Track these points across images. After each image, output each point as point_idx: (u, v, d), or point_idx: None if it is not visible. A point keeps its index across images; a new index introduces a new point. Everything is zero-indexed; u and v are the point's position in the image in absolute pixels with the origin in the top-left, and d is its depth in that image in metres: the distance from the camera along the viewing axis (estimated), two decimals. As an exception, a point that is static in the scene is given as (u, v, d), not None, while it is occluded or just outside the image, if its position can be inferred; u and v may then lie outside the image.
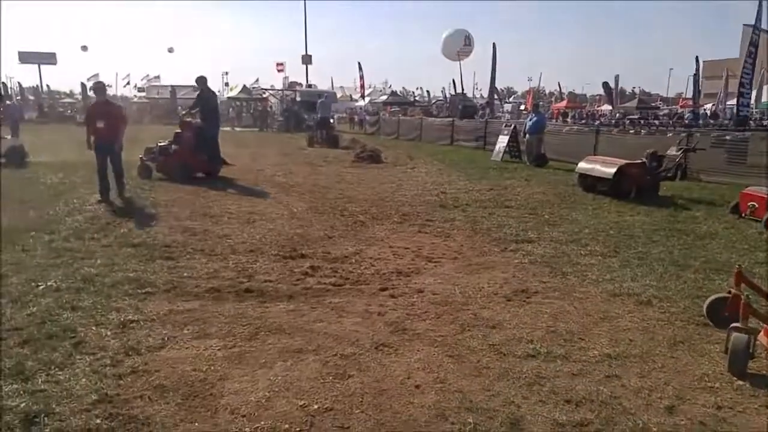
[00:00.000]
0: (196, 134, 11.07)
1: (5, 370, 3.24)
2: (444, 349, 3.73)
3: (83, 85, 44.00)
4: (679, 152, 10.31)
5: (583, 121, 32.77)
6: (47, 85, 53.86)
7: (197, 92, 11.71)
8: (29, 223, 6.75)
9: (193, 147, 10.99)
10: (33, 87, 53.35)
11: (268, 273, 5.22)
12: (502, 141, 16.05)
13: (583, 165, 10.17)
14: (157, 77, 57.30)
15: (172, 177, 10.70)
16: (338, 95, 48.70)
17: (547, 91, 70.49)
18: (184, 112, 13.10)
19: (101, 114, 8.58)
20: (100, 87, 9.22)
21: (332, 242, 6.41)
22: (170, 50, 69.15)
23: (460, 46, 32.83)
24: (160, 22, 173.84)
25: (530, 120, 15.10)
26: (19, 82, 54.09)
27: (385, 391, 3.19)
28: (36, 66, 48.81)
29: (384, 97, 44.81)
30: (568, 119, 35.57)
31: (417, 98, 52.00)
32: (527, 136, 14.85)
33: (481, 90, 57.62)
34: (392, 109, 38.06)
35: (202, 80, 11.66)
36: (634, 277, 5.25)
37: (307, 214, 7.90)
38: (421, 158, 16.22)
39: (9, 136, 13.67)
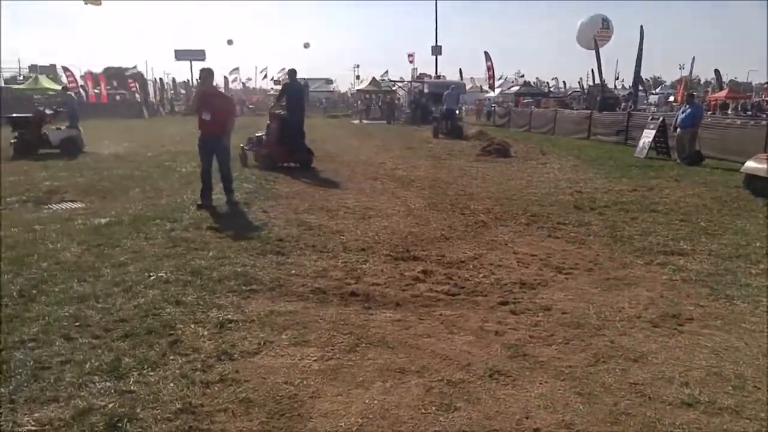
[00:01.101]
0: (280, 125, 11.18)
1: (103, 366, 3.16)
2: (572, 383, 3.09)
3: (225, 79, 47.29)
4: None
5: (749, 113, 28.97)
6: (196, 80, 58.55)
7: (284, 83, 12.16)
8: (156, 211, 7.00)
9: (276, 138, 11.13)
10: (184, 82, 58.40)
11: (376, 275, 4.85)
12: (648, 135, 14.47)
13: (751, 164, 8.77)
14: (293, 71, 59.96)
15: (260, 166, 11.08)
16: (468, 86, 47.70)
17: (701, 80, 63.75)
18: (272, 104, 13.38)
19: (207, 104, 7.52)
20: (206, 74, 7.82)
21: (449, 244, 5.91)
22: (306, 45, 72.30)
23: (596, 30, 30.44)
24: (298, 18, 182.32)
25: (683, 112, 13.40)
26: (173, 78, 59.51)
27: (496, 433, 2.66)
28: (188, 62, 53.23)
29: (516, 88, 43.16)
30: (729, 111, 31.74)
31: (552, 89, 49.52)
32: (678, 130, 13.18)
33: (623, 80, 53.63)
34: (524, 101, 36.47)
35: (292, 73, 12.04)
36: (825, 307, 4.18)
37: (425, 212, 7.45)
38: (554, 153, 15.11)
39: (64, 127, 14.70)
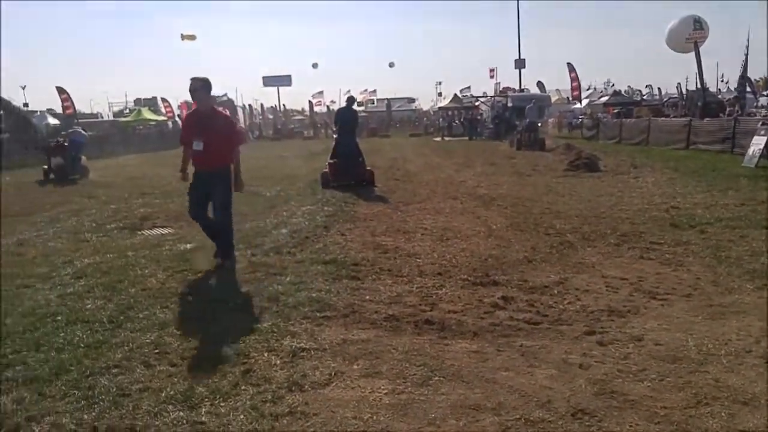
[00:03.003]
0: (334, 147, 12.34)
1: (178, 395, 3.20)
2: (668, 428, 2.76)
3: (310, 103, 48.79)
4: None
5: None
6: (283, 105, 61.12)
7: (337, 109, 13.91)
8: (239, 235, 7.19)
9: (331, 158, 12.16)
10: (272, 107, 60.96)
11: (453, 302, 4.66)
12: (759, 142, 13.23)
13: None
14: (374, 91, 61.08)
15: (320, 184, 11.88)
16: (553, 99, 46.38)
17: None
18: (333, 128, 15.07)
19: (199, 130, 5.69)
20: (198, 85, 5.60)
21: (532, 267, 5.61)
22: (391, 65, 72.85)
23: (689, 32, 28.51)
24: (383, 38, 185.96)
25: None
26: (261, 104, 62.29)
27: (579, 488, 2.41)
28: (276, 88, 55.66)
29: (605, 98, 41.37)
30: None
31: (645, 97, 46.99)
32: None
33: (727, 82, 49.98)
34: (614, 110, 34.82)
35: (351, 99, 13.46)
36: None
37: (507, 232, 7.17)
38: (648, 165, 14.19)
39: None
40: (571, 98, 42.74)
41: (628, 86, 49.81)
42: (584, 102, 41.67)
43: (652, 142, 20.60)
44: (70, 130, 19.30)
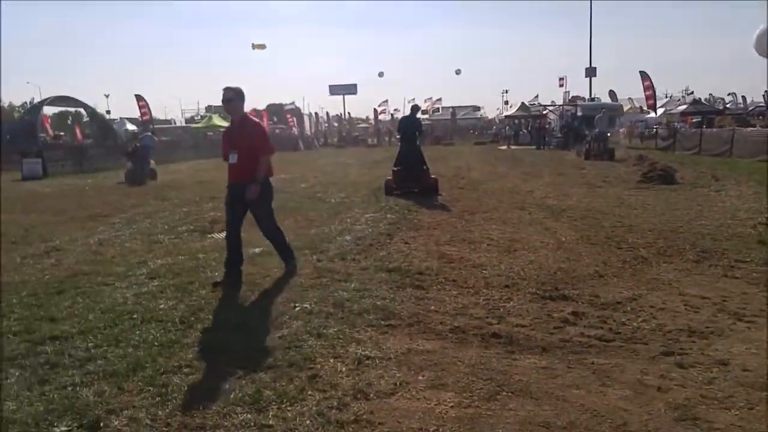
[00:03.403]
0: (399, 155, 12.38)
1: (246, 397, 3.25)
2: (759, 461, 2.57)
3: (375, 111, 49.29)
4: None
5: None
6: (348, 113, 62.07)
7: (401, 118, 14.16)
8: (305, 241, 7.30)
9: (397, 166, 12.16)
10: (337, 115, 62.05)
11: (521, 315, 4.53)
12: None
13: None
14: (439, 99, 60.96)
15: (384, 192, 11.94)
16: (625, 108, 44.77)
17: None
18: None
19: (233, 141, 5.54)
20: (231, 95, 5.43)
21: (603, 282, 5.39)
22: (458, 72, 72.26)
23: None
24: (449, 46, 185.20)
25: None
26: (327, 112, 63.51)
27: None
28: (341, 96, 56.56)
29: (683, 107, 39.52)
30: None
31: (728, 105, 44.50)
32: None
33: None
34: (693, 120, 33.19)
35: (414, 108, 13.40)
36: None
37: (576, 245, 6.92)
38: (731, 178, 13.41)
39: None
40: (645, 107, 41.10)
41: (710, 94, 47.41)
42: (659, 111, 39.94)
43: (736, 154, 19.47)
44: (141, 136, 20.65)
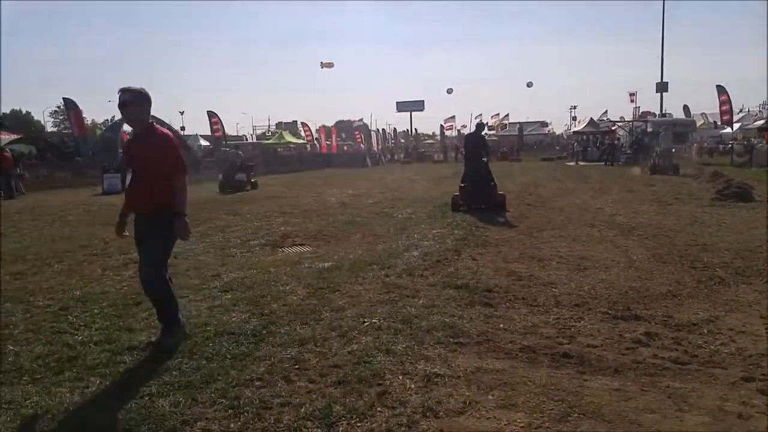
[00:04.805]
0: (466, 171, 12.43)
1: (316, 411, 3.31)
2: None
3: (441, 127, 49.46)
4: None
5: None
6: (415, 129, 62.49)
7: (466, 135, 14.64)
8: (373, 256, 7.44)
9: (464, 182, 12.22)
10: (404, 131, 62.60)
11: (592, 335, 4.47)
12: None
13: None
14: (507, 116, 60.38)
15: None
16: (698, 123, 42.92)
17: None
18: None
19: (130, 156, 4.50)
20: (130, 98, 4.15)
21: (677, 302, 5.23)
22: (529, 84, 71.13)
23: None
24: (517, 61, 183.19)
25: None
26: (394, 128, 64.17)
27: None
28: (408, 113, 57.11)
29: (760, 122, 37.50)
30: None
31: (816, 119, 41.85)
32: None
33: None
34: (773, 135, 31.40)
35: (479, 126, 13.66)
36: None
37: (648, 264, 6.74)
38: (818, 195, 12.66)
39: None
40: (719, 122, 39.27)
41: (789, 109, 44.84)
42: (735, 126, 38.08)
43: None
44: (231, 151, 22.80)
